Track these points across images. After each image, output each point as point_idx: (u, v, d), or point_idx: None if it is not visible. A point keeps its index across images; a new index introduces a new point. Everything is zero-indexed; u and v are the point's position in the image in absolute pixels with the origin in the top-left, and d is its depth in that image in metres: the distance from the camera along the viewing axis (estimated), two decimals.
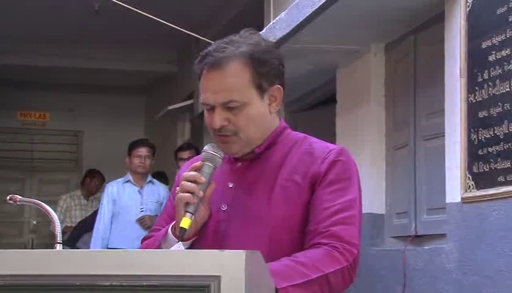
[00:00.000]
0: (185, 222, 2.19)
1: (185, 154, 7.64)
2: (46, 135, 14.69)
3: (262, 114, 2.29)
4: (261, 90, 2.27)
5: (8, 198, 3.04)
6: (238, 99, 2.23)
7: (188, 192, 2.21)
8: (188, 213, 2.20)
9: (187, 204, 2.21)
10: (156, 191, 7.50)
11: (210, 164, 2.25)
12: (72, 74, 13.05)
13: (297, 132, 2.43)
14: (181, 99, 11.84)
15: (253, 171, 2.32)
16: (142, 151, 7.38)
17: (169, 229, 2.29)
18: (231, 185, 2.33)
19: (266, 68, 2.27)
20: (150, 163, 7.43)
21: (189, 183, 2.22)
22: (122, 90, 14.31)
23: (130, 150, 7.43)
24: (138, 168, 7.33)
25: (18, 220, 14.54)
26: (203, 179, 2.22)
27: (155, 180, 7.65)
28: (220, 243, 2.24)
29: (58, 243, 2.73)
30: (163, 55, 12.46)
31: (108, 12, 9.46)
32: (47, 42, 11.67)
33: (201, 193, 2.22)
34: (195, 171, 2.25)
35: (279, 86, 2.31)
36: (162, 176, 9.81)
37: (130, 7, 7.01)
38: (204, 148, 2.30)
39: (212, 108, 2.26)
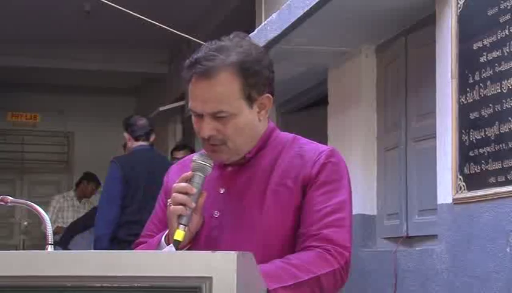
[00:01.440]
0: (179, 235, 2.17)
1: (180, 154, 7.54)
2: (36, 136, 14.65)
3: (251, 123, 2.27)
4: (250, 100, 2.24)
5: None
6: (227, 109, 2.20)
7: (180, 204, 2.20)
8: (181, 226, 2.17)
9: (180, 216, 2.19)
10: None
11: (200, 174, 2.23)
12: (63, 75, 13.02)
13: (285, 133, 2.41)
14: (172, 100, 11.83)
15: (243, 176, 2.31)
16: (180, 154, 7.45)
17: (163, 239, 2.27)
18: (222, 191, 2.31)
19: (255, 79, 2.24)
20: None
21: (180, 195, 2.20)
22: (112, 91, 14.28)
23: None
24: None
25: (9, 221, 14.51)
26: (194, 190, 2.20)
27: None
28: (214, 250, 2.22)
29: (50, 244, 2.72)
30: (154, 56, 12.44)
31: (99, 13, 9.45)
32: (38, 43, 11.65)
33: (193, 205, 2.19)
34: (186, 181, 2.23)
35: (268, 95, 2.30)
36: None
37: (121, 8, 7.00)
38: (193, 158, 2.27)
39: (201, 116, 2.24)
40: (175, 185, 2.24)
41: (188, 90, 2.26)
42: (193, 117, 2.27)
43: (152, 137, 6.54)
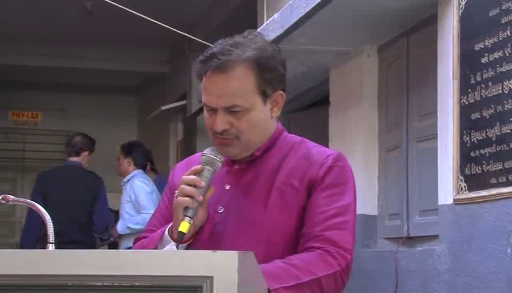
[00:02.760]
0: (184, 226, 2.18)
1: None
2: (37, 135, 14.65)
3: (264, 119, 2.29)
4: (264, 95, 2.27)
5: (0, 197, 3.03)
6: (241, 104, 2.22)
7: (188, 196, 2.20)
8: (186, 218, 2.18)
9: (186, 208, 2.19)
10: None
11: (210, 168, 2.24)
12: (64, 74, 13.03)
13: (293, 135, 2.43)
14: (173, 99, 11.83)
15: (250, 174, 2.32)
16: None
17: (166, 231, 2.28)
18: (228, 187, 2.32)
19: (270, 74, 2.27)
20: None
21: (188, 187, 2.20)
22: (114, 90, 14.29)
23: None
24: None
25: (9, 220, 14.51)
26: (203, 184, 2.21)
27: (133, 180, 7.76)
28: (216, 246, 2.23)
29: (51, 243, 2.72)
30: (155, 55, 12.44)
31: (100, 12, 9.45)
32: (39, 42, 11.65)
33: (200, 198, 2.20)
34: (195, 174, 2.23)
35: (282, 91, 2.32)
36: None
37: (123, 7, 7.00)
38: (204, 152, 2.28)
39: (214, 110, 2.25)
40: (183, 177, 2.24)
41: (201, 85, 2.27)
42: (205, 112, 2.29)
43: (84, 154, 7.43)
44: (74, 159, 7.42)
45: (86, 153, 7.47)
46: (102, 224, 7.41)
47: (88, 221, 7.23)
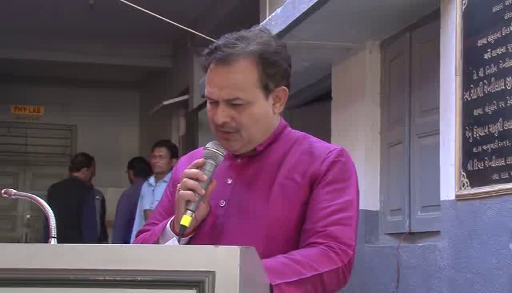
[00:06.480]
0: (186, 220, 2.18)
1: (157, 151, 8.22)
2: (39, 129, 14.65)
3: (265, 114, 2.29)
4: (267, 90, 2.26)
5: (2, 191, 3.02)
6: (243, 97, 2.22)
7: (190, 190, 2.20)
8: (188, 211, 2.19)
9: (188, 201, 2.20)
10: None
11: (212, 162, 2.24)
12: (66, 68, 13.02)
13: (296, 131, 2.43)
14: (175, 94, 11.82)
15: (252, 168, 2.32)
16: (157, 150, 8.06)
17: (168, 225, 2.28)
18: (229, 181, 2.32)
19: (274, 69, 2.27)
20: (165, 163, 8.04)
21: (191, 181, 2.20)
22: (116, 84, 14.27)
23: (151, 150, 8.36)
24: (153, 167, 8.13)
25: (11, 214, 14.51)
26: (205, 177, 2.21)
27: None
28: (217, 239, 2.24)
29: (53, 237, 2.72)
30: (158, 50, 12.43)
31: (103, 6, 9.44)
32: (41, 36, 11.64)
33: (202, 191, 2.20)
34: (197, 168, 2.24)
35: (285, 87, 2.32)
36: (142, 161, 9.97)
37: (125, 1, 7.00)
38: (206, 146, 2.28)
39: (216, 103, 2.25)
40: (186, 170, 2.25)
41: (205, 77, 2.28)
42: (208, 104, 2.29)
43: (83, 170, 9.12)
44: (75, 174, 9.09)
45: (85, 169, 9.11)
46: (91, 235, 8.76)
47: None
